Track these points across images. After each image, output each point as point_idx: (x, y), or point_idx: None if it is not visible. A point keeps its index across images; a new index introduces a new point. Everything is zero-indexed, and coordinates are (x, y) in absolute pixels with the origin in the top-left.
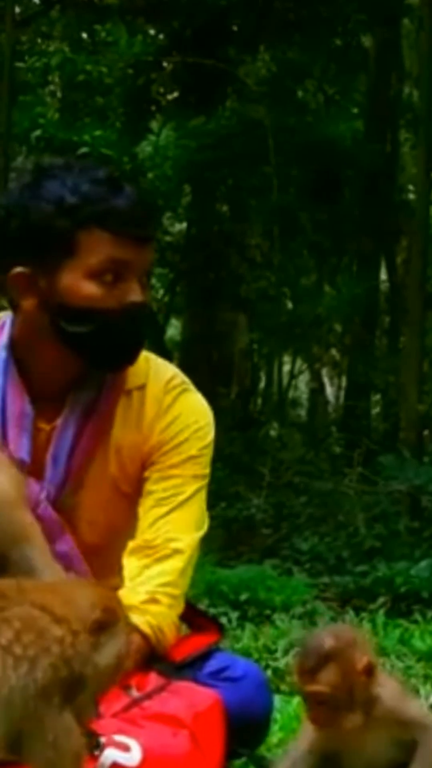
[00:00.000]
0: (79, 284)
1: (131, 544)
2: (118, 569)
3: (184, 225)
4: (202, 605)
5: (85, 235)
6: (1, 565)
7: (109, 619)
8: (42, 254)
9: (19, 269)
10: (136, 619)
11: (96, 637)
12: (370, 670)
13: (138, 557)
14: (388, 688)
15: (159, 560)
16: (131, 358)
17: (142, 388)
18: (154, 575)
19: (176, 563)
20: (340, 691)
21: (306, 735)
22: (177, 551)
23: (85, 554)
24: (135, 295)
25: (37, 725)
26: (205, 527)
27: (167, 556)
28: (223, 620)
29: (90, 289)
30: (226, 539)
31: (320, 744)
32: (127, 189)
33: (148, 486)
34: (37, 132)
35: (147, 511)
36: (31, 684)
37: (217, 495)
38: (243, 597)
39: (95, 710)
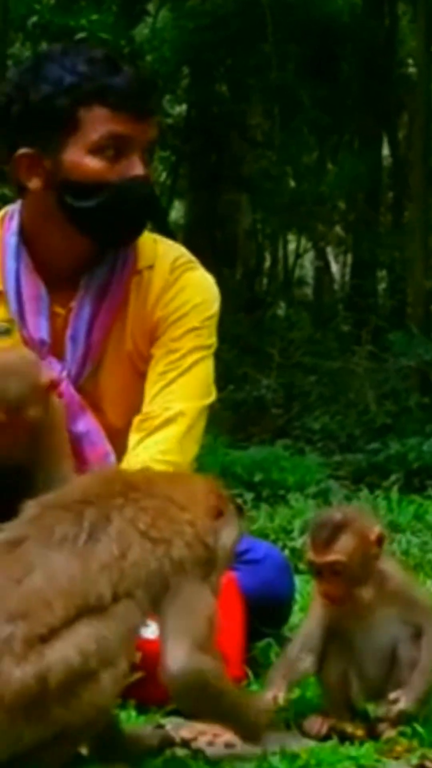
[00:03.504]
0: (83, 160)
1: (135, 420)
2: None
3: (184, 107)
4: None
5: (85, 112)
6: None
7: (223, 506)
8: (45, 134)
9: (23, 150)
10: None
11: (215, 522)
12: (381, 541)
13: (138, 430)
14: (392, 566)
15: (156, 429)
16: (137, 231)
17: (151, 267)
18: (151, 444)
19: (174, 429)
20: (355, 560)
21: (315, 614)
22: (173, 418)
23: (110, 436)
24: (137, 169)
25: (170, 597)
26: (212, 397)
27: (164, 424)
28: (238, 502)
29: (93, 163)
30: (236, 421)
31: (330, 622)
32: (124, 67)
33: (153, 362)
34: (34, 18)
35: (150, 386)
36: (169, 564)
37: (226, 377)
38: (257, 478)
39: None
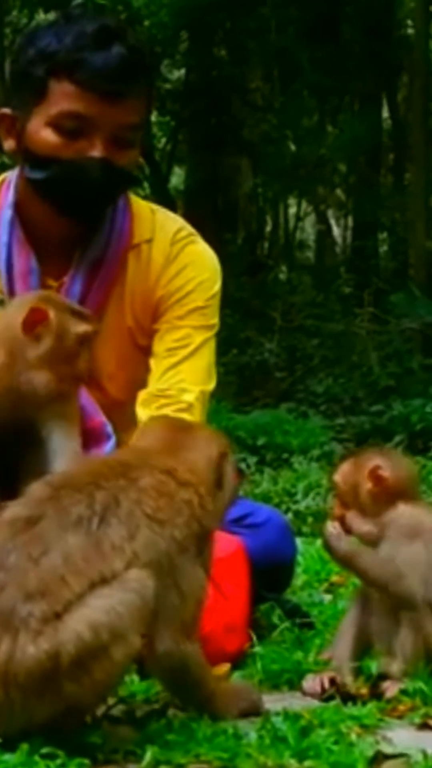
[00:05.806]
0: (41, 131)
1: (143, 395)
2: (135, 422)
3: (183, 72)
4: None
5: (55, 84)
6: (31, 437)
7: (224, 465)
8: (21, 98)
9: (5, 110)
10: None
11: (214, 491)
12: (377, 478)
13: (154, 407)
14: (410, 513)
15: (177, 413)
16: (90, 212)
17: (149, 241)
18: None
19: (190, 418)
20: (344, 483)
21: None
22: (191, 406)
23: (109, 409)
24: (94, 150)
25: (173, 576)
26: (213, 383)
27: (183, 410)
28: (242, 466)
29: (49, 136)
30: (240, 385)
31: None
32: (114, 45)
33: (158, 338)
34: None
35: (158, 363)
36: (173, 544)
37: (229, 341)
38: (260, 442)
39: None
